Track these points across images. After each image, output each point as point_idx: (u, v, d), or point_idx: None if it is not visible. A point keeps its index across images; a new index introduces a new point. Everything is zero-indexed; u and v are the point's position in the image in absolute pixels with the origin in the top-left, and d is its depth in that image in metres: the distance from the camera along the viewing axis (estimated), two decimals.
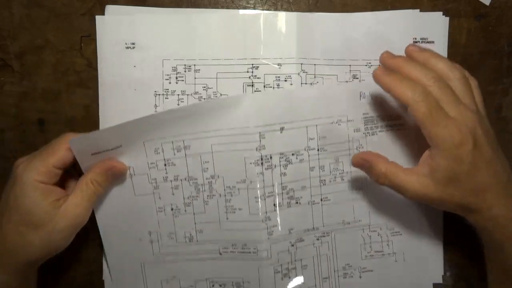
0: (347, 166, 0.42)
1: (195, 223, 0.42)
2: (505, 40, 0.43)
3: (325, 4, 0.43)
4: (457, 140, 0.33)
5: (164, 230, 0.42)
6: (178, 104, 0.42)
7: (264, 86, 0.42)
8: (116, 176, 0.40)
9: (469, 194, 0.35)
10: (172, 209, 0.42)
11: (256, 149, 0.41)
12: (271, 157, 0.41)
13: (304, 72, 0.42)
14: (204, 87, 0.43)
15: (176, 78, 0.42)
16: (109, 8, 0.42)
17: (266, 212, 0.42)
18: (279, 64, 0.42)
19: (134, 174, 0.41)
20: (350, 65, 0.42)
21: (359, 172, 0.41)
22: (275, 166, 0.41)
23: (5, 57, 0.43)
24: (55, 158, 0.36)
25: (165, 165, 0.41)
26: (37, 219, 0.35)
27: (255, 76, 0.42)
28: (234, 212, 0.42)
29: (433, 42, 0.42)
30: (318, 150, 0.42)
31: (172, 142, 0.40)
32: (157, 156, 0.40)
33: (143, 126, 0.39)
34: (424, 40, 0.42)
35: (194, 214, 0.42)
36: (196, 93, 0.43)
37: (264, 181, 0.41)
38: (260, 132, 0.40)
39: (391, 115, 0.42)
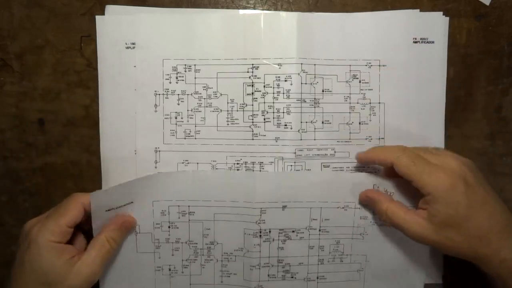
0: (348, 249, 0.43)
1: (190, 284, 0.43)
2: (505, 40, 0.43)
3: (325, 4, 0.43)
4: (448, 184, 0.34)
5: None
6: (178, 104, 0.42)
7: (264, 86, 0.42)
8: (129, 229, 0.41)
9: (472, 239, 0.35)
10: (169, 269, 0.43)
11: (256, 222, 0.42)
12: (270, 231, 0.42)
13: (304, 72, 0.42)
14: (204, 87, 0.43)
15: (176, 78, 0.42)
16: (109, 8, 0.42)
17: (259, 281, 0.43)
18: (279, 64, 0.42)
19: (139, 232, 0.42)
20: (350, 65, 0.42)
21: (360, 256, 0.43)
22: (273, 240, 0.42)
23: (5, 57, 0.43)
24: (68, 217, 0.37)
25: (169, 227, 0.42)
26: (52, 279, 0.36)
27: (255, 76, 0.42)
28: (229, 276, 0.43)
29: (433, 42, 0.42)
30: (319, 230, 0.43)
31: (178, 206, 0.42)
32: (163, 217, 0.42)
33: (154, 183, 0.41)
34: (424, 40, 0.42)
35: (190, 275, 0.43)
36: (196, 92, 0.43)
37: (261, 252, 0.42)
38: (261, 208, 0.42)
39: None
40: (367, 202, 0.41)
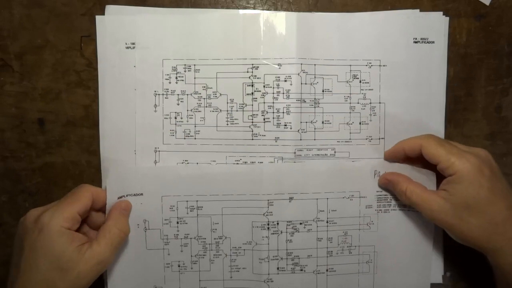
0: (356, 240, 0.43)
1: (199, 280, 0.43)
2: (505, 40, 0.43)
3: (325, 4, 0.43)
4: (475, 166, 0.35)
5: (169, 286, 0.43)
6: (178, 104, 0.43)
7: (264, 86, 0.42)
8: (129, 213, 0.41)
9: (488, 224, 0.35)
10: (179, 266, 0.43)
11: (264, 214, 0.42)
12: (277, 223, 0.43)
13: (304, 72, 0.42)
14: (204, 86, 0.43)
15: (176, 78, 0.42)
16: (109, 8, 0.42)
17: (268, 274, 0.43)
18: (279, 64, 0.42)
19: (149, 228, 0.42)
20: (350, 65, 0.42)
21: (368, 247, 0.43)
22: (281, 232, 0.43)
23: (5, 57, 0.43)
24: (79, 205, 0.37)
25: (177, 222, 0.42)
26: (64, 265, 0.35)
27: (255, 76, 0.42)
28: (238, 271, 0.43)
29: (433, 42, 0.42)
30: (327, 222, 0.43)
31: (187, 201, 0.42)
32: (172, 213, 0.42)
33: (162, 176, 0.42)
34: (424, 40, 0.42)
35: (199, 271, 0.43)
36: (196, 92, 0.43)
37: (269, 245, 0.43)
38: (268, 200, 0.42)
39: None
40: (387, 185, 0.42)
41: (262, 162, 0.43)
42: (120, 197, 0.41)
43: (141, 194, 0.41)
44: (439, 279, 0.44)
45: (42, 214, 0.36)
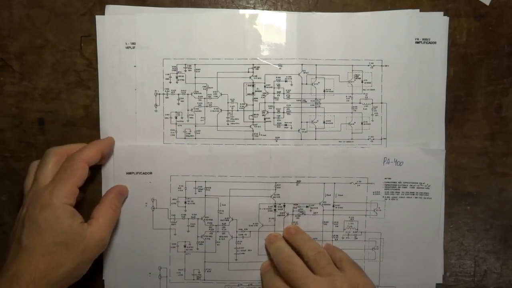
0: (362, 226, 0.43)
1: (205, 262, 0.43)
2: (505, 40, 0.43)
3: (325, 4, 0.43)
4: None
5: (174, 267, 0.43)
6: (179, 104, 0.43)
7: (265, 86, 0.42)
8: (124, 196, 0.43)
9: None
10: (185, 246, 0.43)
11: (271, 197, 0.43)
12: (284, 205, 0.43)
13: (304, 72, 0.42)
14: (205, 86, 0.43)
15: (177, 77, 0.42)
16: (109, 8, 0.42)
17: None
18: (279, 65, 0.42)
19: (156, 207, 0.43)
20: (352, 65, 0.42)
21: (374, 233, 0.43)
22: (287, 214, 0.43)
23: (5, 57, 0.42)
24: (76, 178, 0.38)
25: (185, 202, 0.43)
26: (70, 240, 0.36)
27: (256, 76, 0.42)
28: (243, 253, 0.43)
29: (435, 42, 0.42)
30: (333, 206, 0.43)
31: (195, 181, 0.43)
32: (180, 193, 0.43)
33: (173, 155, 0.42)
34: (426, 40, 0.42)
35: (205, 252, 0.43)
36: (196, 92, 0.43)
37: (275, 226, 0.43)
38: (276, 182, 0.43)
39: (414, 183, 0.43)
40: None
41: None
42: (129, 173, 0.42)
43: (150, 173, 0.42)
44: (439, 279, 0.44)
45: (43, 194, 0.37)
